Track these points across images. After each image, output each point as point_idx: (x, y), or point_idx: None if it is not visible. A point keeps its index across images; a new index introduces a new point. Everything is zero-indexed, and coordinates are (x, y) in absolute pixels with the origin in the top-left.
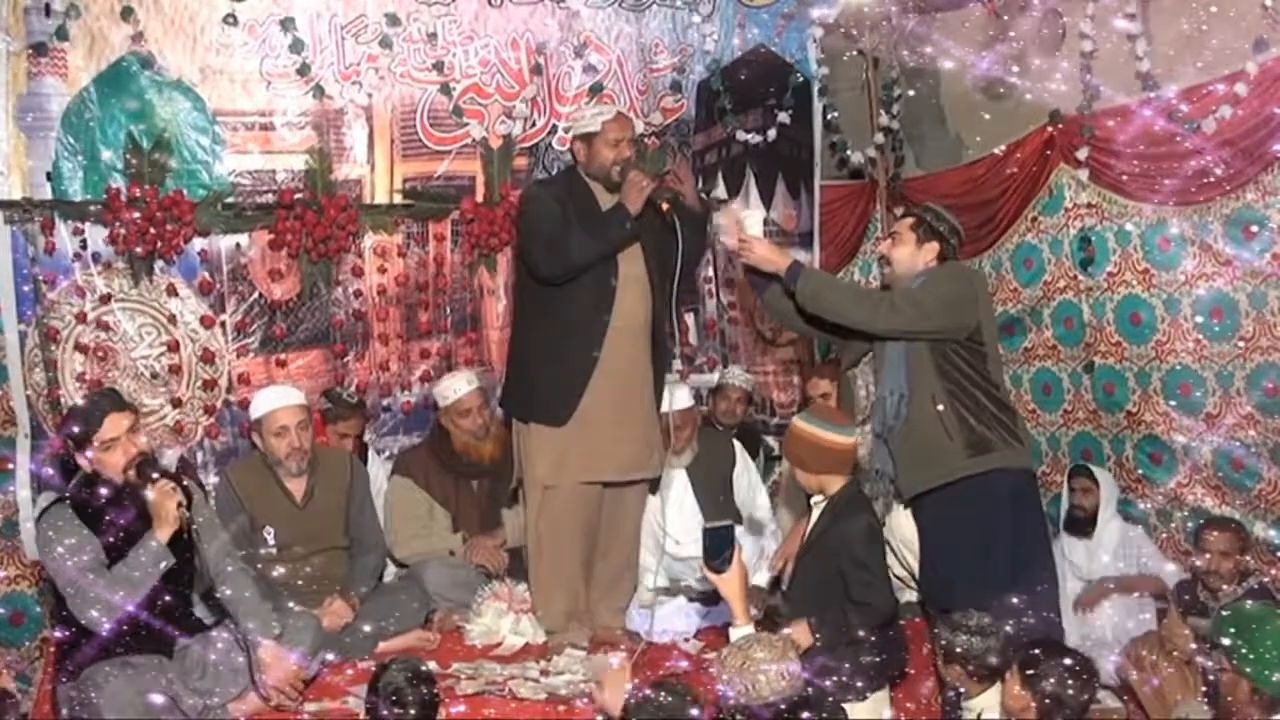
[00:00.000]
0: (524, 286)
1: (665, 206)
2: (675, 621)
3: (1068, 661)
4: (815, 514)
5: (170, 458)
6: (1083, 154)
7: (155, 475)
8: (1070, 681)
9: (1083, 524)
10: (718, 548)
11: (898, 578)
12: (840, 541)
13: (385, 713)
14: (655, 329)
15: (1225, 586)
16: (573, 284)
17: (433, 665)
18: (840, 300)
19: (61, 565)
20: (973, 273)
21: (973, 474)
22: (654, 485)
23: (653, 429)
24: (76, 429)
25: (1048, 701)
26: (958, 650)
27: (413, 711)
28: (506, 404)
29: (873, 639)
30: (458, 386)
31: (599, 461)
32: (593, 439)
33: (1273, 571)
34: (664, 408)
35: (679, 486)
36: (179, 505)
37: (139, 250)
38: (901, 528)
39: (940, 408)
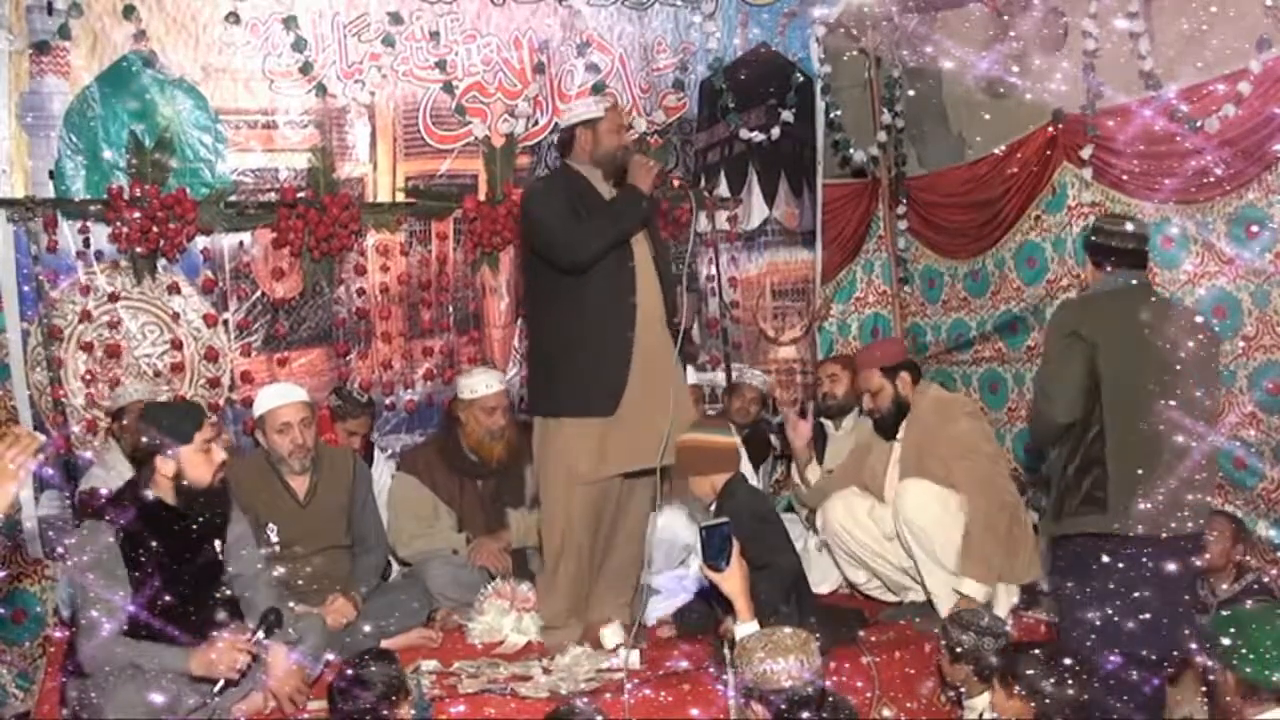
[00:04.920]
0: (538, 284)
1: (677, 182)
2: (670, 586)
3: (1051, 663)
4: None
5: None
6: (1087, 152)
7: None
8: (1057, 681)
9: None
10: (716, 547)
11: (902, 570)
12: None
13: (348, 691)
14: (667, 311)
15: (1224, 585)
16: (594, 271)
17: (435, 664)
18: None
19: (76, 587)
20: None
21: None
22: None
23: (684, 412)
24: (175, 425)
25: (1048, 703)
26: (965, 649)
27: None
28: (534, 404)
29: (804, 610)
30: (490, 382)
31: (639, 450)
32: (630, 427)
33: (1273, 571)
34: None
35: None
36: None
37: (141, 249)
38: (906, 509)
39: None
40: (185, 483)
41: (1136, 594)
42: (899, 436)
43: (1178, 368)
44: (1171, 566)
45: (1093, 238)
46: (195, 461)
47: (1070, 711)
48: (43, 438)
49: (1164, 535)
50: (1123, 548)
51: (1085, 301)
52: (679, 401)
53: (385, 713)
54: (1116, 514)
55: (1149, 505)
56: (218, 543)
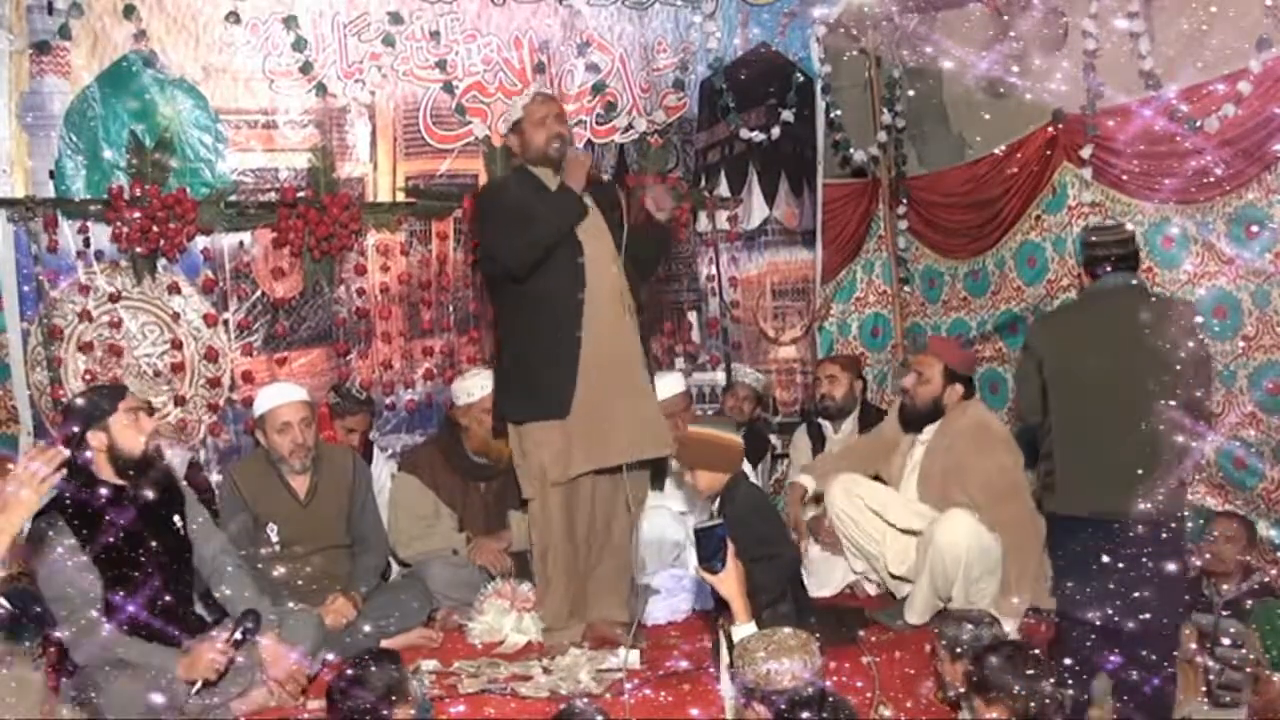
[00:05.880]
0: (495, 289)
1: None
2: (669, 585)
3: (1010, 657)
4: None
5: (180, 459)
6: (1087, 152)
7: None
8: (1026, 673)
9: None
10: (711, 548)
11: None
12: (731, 517)
13: (349, 691)
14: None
15: (1226, 585)
16: (543, 272)
17: (435, 664)
18: None
19: (57, 590)
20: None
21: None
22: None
23: (652, 405)
24: (100, 398)
25: (1031, 705)
26: (965, 648)
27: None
28: (503, 409)
29: (803, 610)
30: (484, 383)
31: (604, 447)
32: (593, 424)
33: (1273, 571)
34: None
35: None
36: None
37: (141, 249)
38: (941, 538)
39: None
40: (119, 453)
41: (1088, 573)
42: (923, 438)
43: (1144, 365)
44: (1111, 548)
45: (1089, 241)
46: (124, 431)
47: (1044, 702)
48: (66, 452)
49: (1099, 516)
50: (1068, 527)
51: (1048, 315)
52: (647, 395)
53: (386, 713)
54: (1061, 496)
55: (1086, 488)
56: (177, 518)
